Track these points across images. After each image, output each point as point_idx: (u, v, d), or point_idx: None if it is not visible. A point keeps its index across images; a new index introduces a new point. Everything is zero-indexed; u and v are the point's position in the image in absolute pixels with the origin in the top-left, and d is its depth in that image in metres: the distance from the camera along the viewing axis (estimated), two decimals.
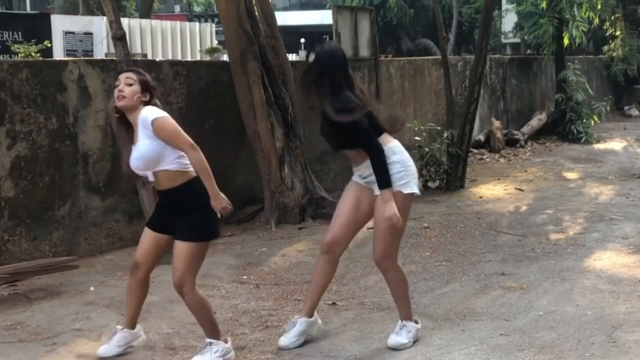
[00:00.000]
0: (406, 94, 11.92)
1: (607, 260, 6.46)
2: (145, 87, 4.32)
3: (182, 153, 4.24)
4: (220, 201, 4.22)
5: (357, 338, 4.82)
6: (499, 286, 5.83)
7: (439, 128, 10.38)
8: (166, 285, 5.89)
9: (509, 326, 4.94)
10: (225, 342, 4.42)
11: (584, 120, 15.64)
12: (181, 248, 4.27)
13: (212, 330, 4.42)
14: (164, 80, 7.74)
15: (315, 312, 4.82)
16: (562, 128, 15.56)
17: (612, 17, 20.43)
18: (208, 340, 4.38)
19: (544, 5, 16.25)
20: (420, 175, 10.16)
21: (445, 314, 5.24)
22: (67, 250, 6.74)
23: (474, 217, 8.29)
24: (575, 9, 15.62)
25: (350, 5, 22.09)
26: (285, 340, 4.67)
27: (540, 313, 5.18)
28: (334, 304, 5.51)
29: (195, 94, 8.08)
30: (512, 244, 7.12)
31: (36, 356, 4.60)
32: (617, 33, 20.19)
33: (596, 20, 17.46)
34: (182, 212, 4.28)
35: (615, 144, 15.00)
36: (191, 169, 4.28)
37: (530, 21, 27.77)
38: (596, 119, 16.31)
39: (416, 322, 4.77)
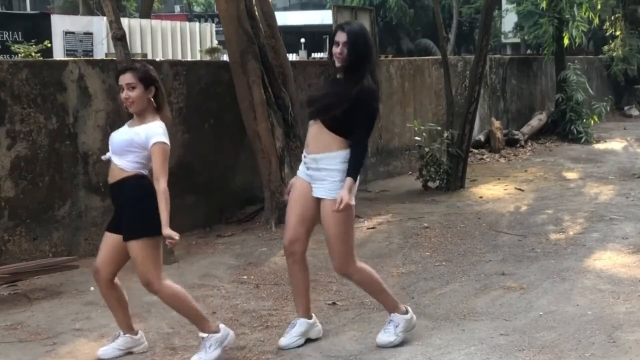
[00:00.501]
0: (406, 94, 11.92)
1: (607, 260, 6.46)
2: (147, 83, 4.33)
3: (141, 163, 4.30)
4: (168, 230, 4.18)
5: (357, 338, 4.82)
6: (499, 286, 5.83)
7: (439, 128, 10.37)
8: None
9: (509, 326, 4.94)
10: (217, 331, 4.42)
11: (584, 120, 15.62)
12: (129, 249, 4.31)
13: (197, 321, 4.43)
14: (164, 80, 7.72)
15: (314, 315, 4.81)
16: (562, 128, 15.55)
17: (612, 17, 20.42)
18: (201, 336, 4.41)
19: (544, 5, 16.25)
20: (420, 175, 10.18)
21: (445, 314, 5.24)
22: (67, 250, 6.74)
23: (474, 217, 8.29)
24: (575, 9, 15.61)
25: (350, 5, 22.11)
26: (285, 340, 4.67)
27: (540, 313, 5.17)
28: (334, 304, 5.51)
29: (195, 94, 8.07)
30: (512, 244, 7.12)
31: (36, 356, 4.61)
32: (617, 33, 20.18)
33: (596, 20, 17.46)
34: (121, 208, 4.36)
35: (615, 144, 15.00)
36: (132, 171, 4.32)
37: (530, 21, 27.80)
38: (596, 119, 16.30)
39: (405, 312, 4.73)
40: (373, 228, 7.88)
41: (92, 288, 5.90)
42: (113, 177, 4.39)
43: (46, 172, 6.64)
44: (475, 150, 13.37)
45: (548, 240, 7.25)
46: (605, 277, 5.95)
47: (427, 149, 9.99)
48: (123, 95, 4.32)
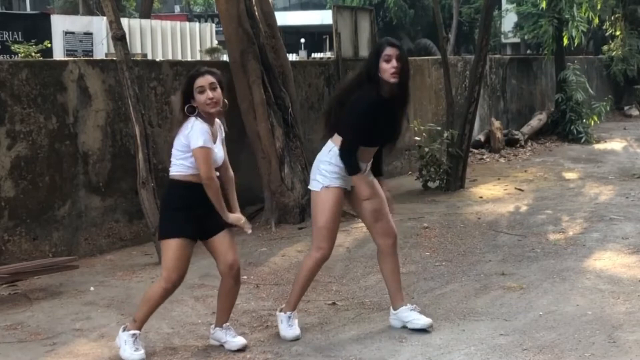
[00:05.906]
0: None
1: (607, 260, 6.46)
2: (221, 84, 4.46)
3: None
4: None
5: (357, 338, 4.82)
6: (499, 286, 5.83)
7: (439, 128, 10.37)
8: None
9: (509, 326, 4.94)
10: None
11: (584, 120, 15.63)
12: (226, 237, 4.97)
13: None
14: (164, 80, 7.74)
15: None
16: (562, 128, 15.55)
17: (612, 17, 20.43)
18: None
19: (543, 5, 16.25)
20: (420, 176, 10.18)
21: (445, 314, 5.24)
22: (67, 250, 6.74)
23: (474, 217, 8.29)
24: (575, 9, 15.61)
25: (350, 5, 22.12)
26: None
27: (540, 313, 5.17)
28: (334, 304, 5.51)
29: None
30: (512, 244, 7.12)
31: (36, 356, 4.61)
32: (617, 33, 20.19)
33: (596, 20, 17.45)
34: (209, 210, 4.84)
35: (615, 144, 15.00)
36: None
37: (530, 21, 27.78)
38: (596, 119, 16.29)
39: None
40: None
41: (92, 288, 5.91)
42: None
43: (46, 172, 6.64)
44: (475, 150, 13.37)
45: (548, 240, 7.24)
46: (605, 277, 5.95)
47: (427, 149, 10.00)
48: (207, 96, 4.37)
